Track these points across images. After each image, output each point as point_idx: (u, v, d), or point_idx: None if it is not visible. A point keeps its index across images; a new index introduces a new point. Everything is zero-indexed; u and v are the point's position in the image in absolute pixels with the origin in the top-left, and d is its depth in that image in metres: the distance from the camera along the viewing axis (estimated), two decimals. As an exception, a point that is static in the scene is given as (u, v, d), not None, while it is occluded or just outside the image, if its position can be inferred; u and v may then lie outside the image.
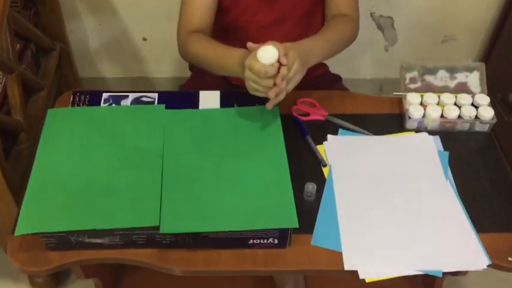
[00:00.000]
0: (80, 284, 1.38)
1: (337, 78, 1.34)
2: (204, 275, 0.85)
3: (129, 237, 0.84)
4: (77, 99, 1.03)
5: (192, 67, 1.36)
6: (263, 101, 0.97)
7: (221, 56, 1.02)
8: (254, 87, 0.92)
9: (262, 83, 0.90)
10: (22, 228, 0.82)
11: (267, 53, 0.88)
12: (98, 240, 0.84)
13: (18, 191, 1.17)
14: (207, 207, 0.84)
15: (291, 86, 0.93)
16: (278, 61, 0.89)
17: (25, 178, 0.88)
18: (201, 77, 1.27)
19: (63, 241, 0.84)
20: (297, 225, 0.82)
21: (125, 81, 1.93)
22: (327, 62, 1.29)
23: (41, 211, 0.83)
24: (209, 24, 1.12)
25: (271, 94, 0.90)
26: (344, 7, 1.14)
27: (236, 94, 1.03)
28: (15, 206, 1.16)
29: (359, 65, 1.90)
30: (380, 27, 1.79)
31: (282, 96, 0.93)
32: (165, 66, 1.88)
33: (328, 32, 1.09)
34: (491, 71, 1.31)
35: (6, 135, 1.27)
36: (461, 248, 0.87)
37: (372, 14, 1.75)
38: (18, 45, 1.44)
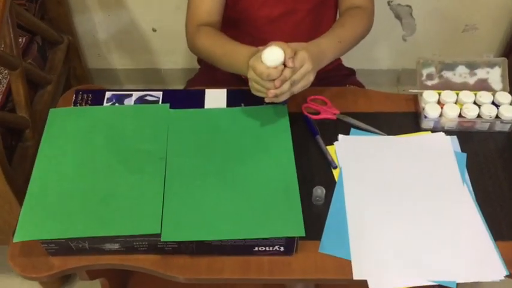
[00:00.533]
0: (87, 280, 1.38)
1: (351, 72, 1.29)
2: (208, 283, 0.83)
3: (130, 244, 0.82)
4: (80, 98, 1.00)
5: (200, 61, 1.33)
6: (270, 100, 0.93)
7: (229, 53, 0.99)
8: (256, 88, 0.90)
9: (264, 85, 0.87)
10: (21, 234, 0.80)
11: (272, 55, 0.84)
12: (99, 246, 0.82)
13: (22, 189, 1.15)
14: (210, 214, 0.82)
15: (296, 89, 0.89)
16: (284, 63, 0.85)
17: (30, 175, 0.87)
18: (210, 71, 1.24)
19: (64, 247, 0.82)
20: (303, 234, 0.79)
21: (134, 72, 1.91)
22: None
23: (40, 217, 0.81)
24: (218, 17, 1.09)
25: (269, 94, 0.88)
26: None
27: (243, 92, 0.99)
28: (18, 204, 1.14)
29: (376, 55, 1.84)
30: (398, 17, 1.73)
31: (283, 98, 0.89)
32: (175, 57, 1.85)
33: (341, 30, 1.04)
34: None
35: (12, 133, 1.25)
36: (477, 257, 0.83)
37: (389, 3, 1.69)
38: (24, 39, 1.41)
